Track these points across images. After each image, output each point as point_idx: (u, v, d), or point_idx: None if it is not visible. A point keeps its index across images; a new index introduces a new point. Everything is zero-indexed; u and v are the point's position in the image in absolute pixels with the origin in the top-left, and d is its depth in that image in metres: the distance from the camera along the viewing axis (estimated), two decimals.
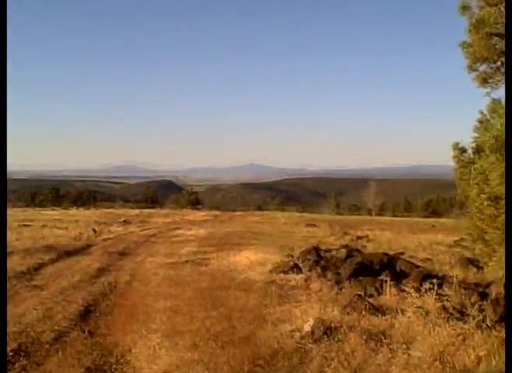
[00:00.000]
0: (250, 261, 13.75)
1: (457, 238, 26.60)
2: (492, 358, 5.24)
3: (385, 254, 13.00)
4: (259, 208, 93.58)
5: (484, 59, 6.73)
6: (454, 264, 16.19)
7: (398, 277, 10.63)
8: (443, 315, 7.23)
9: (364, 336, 6.30)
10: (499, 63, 6.79)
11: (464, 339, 6.07)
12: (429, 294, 8.61)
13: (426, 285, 9.61)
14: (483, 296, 8.83)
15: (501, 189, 5.53)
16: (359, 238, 25.51)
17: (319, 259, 13.50)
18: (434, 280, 9.12)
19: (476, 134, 7.00)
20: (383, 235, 28.24)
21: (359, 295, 9.04)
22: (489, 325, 6.84)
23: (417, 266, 11.86)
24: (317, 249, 14.66)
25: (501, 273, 9.29)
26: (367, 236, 26.28)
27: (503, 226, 5.75)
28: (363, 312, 7.55)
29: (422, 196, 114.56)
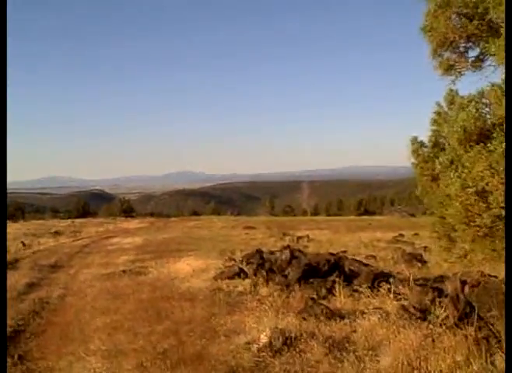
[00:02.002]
0: (191, 268, 13.08)
1: (395, 235, 26.91)
2: (472, 362, 4.82)
3: (331, 254, 12.61)
4: (194, 213, 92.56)
5: (450, 42, 6.32)
6: (397, 260, 16.13)
7: (349, 278, 10.24)
8: (404, 316, 6.85)
9: (327, 344, 5.79)
10: (462, 48, 6.42)
11: (433, 341, 5.66)
12: (383, 293, 8.28)
13: (380, 284, 9.32)
14: (439, 292, 8.53)
15: (492, 182, 5.16)
16: (299, 238, 25.25)
17: (263, 262, 13.00)
18: (391, 280, 8.76)
19: (434, 127, 6.67)
20: (322, 235, 28.18)
21: (312, 299, 8.59)
22: (454, 323, 6.52)
23: (365, 265, 11.52)
24: (260, 252, 14.16)
25: (457, 268, 9.07)
26: (307, 236, 26.07)
27: (486, 221, 5.36)
28: (321, 317, 7.05)
29: (354, 196, 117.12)
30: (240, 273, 11.54)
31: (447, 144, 6.23)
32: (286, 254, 13.73)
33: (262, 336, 6.09)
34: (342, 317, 7.09)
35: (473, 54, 6.43)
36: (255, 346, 5.96)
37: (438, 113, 6.60)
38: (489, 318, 6.73)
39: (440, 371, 4.90)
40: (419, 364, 5.03)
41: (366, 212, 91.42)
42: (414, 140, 6.89)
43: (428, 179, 6.45)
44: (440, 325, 6.35)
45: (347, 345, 5.81)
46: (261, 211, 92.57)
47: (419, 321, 6.56)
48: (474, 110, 5.55)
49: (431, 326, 6.20)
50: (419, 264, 15.08)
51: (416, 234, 28.12)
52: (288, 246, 18.62)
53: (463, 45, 6.38)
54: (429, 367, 4.95)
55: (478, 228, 5.62)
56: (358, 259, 12.87)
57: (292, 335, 6.06)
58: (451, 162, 5.77)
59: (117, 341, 6.74)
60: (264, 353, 5.66)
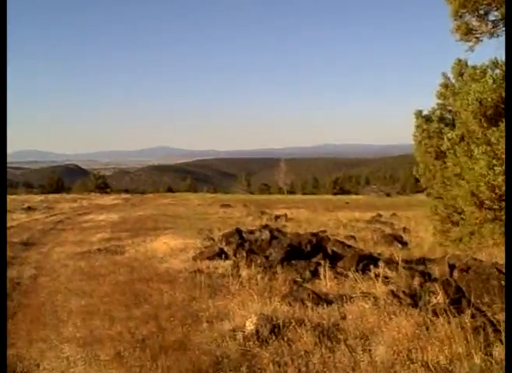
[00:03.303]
0: (169, 247, 12.68)
1: (373, 215, 26.82)
2: (474, 353, 4.55)
3: (313, 234, 12.33)
4: (170, 190, 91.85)
5: (473, 2, 5.88)
6: (377, 241, 15.96)
7: (332, 260, 9.95)
8: (394, 302, 6.58)
9: (316, 332, 5.48)
10: (482, 11, 5.99)
11: (427, 329, 5.39)
12: (370, 277, 8.03)
13: (366, 267, 9.08)
14: (426, 276, 8.29)
15: None
16: (277, 217, 24.97)
17: (243, 242, 12.70)
18: (378, 263, 8.50)
19: (440, 101, 6.24)
20: (300, 214, 27.97)
21: (296, 282, 8.29)
22: (446, 310, 6.27)
23: (349, 247, 11.26)
24: (239, 232, 13.84)
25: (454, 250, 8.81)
26: (285, 215, 25.81)
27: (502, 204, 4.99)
28: (307, 303, 6.74)
29: (329, 174, 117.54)
30: (221, 254, 11.20)
31: (455, 118, 5.85)
32: (266, 234, 13.45)
33: (248, 323, 5.75)
34: (330, 302, 6.79)
35: (492, 18, 5.96)
36: (240, 334, 5.61)
37: (445, 86, 6.19)
38: (480, 304, 6.52)
39: (438, 362, 4.63)
40: (416, 356, 4.75)
41: (342, 191, 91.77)
42: (418, 114, 6.45)
43: (432, 156, 6.07)
44: (433, 311, 6.11)
45: (337, 333, 5.52)
46: (237, 189, 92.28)
47: (410, 307, 6.31)
48: (491, 81, 5.12)
49: (423, 313, 5.94)
50: (400, 245, 14.92)
51: (394, 214, 28.09)
52: (266, 225, 18.41)
53: (484, 7, 5.92)
54: (426, 359, 4.68)
55: (487, 211, 5.29)
56: (340, 240, 12.61)
57: (280, 322, 5.73)
58: (462, 138, 5.38)
59: (93, 327, 6.35)
60: (250, 343, 5.31)
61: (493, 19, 6.01)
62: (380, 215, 26.92)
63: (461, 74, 6.04)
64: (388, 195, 59.27)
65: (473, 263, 7.51)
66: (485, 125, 4.94)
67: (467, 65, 6.07)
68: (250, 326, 5.68)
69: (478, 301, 6.52)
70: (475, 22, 6.06)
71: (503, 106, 4.58)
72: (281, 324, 5.69)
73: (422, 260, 10.64)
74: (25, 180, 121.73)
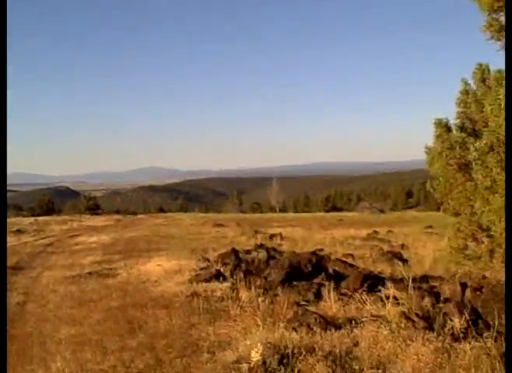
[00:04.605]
0: (163, 269, 12.19)
1: (369, 232, 26.43)
2: None
3: (313, 253, 11.91)
4: (161, 210, 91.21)
5: None
6: (376, 259, 15.56)
7: (335, 280, 9.51)
8: (407, 325, 6.14)
9: (328, 362, 5.03)
10: None
11: (449, 356, 4.96)
12: (377, 298, 7.61)
13: (372, 288, 8.67)
14: (436, 296, 7.85)
15: None
16: (272, 236, 24.49)
17: (239, 262, 12.29)
18: (387, 283, 8.06)
19: (460, 109, 5.82)
20: (295, 232, 27.49)
21: (299, 304, 7.84)
22: (464, 333, 5.85)
23: (351, 266, 10.83)
24: (235, 252, 13.41)
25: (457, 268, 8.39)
26: (280, 234, 25.33)
27: None
28: (314, 328, 6.29)
29: (319, 192, 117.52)
30: (218, 275, 10.75)
31: (476, 127, 5.44)
32: (263, 254, 13.05)
33: (253, 353, 5.27)
34: (338, 327, 6.35)
35: None
36: (245, 365, 5.13)
37: (466, 92, 5.79)
38: (499, 327, 6.08)
39: None
40: None
41: (334, 208, 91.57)
42: (439, 123, 5.96)
43: (454, 168, 5.61)
44: (451, 335, 5.68)
45: (351, 362, 5.07)
46: (229, 208, 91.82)
47: (426, 331, 5.87)
48: None
49: (441, 338, 5.51)
50: (400, 263, 14.51)
51: (390, 231, 27.70)
52: (262, 245, 17.98)
53: None
54: None
55: None
56: (341, 259, 12.19)
57: (288, 351, 5.26)
58: (491, 148, 4.95)
59: (83, 360, 5.84)
60: None
61: None
62: (376, 232, 26.52)
63: (483, 80, 5.65)
64: (382, 211, 59.04)
65: (486, 282, 7.10)
66: None
67: (489, 70, 5.69)
68: (255, 357, 5.20)
69: (497, 323, 6.09)
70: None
71: None
72: (289, 353, 5.22)
73: (426, 278, 10.25)
74: (15, 202, 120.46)
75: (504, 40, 5.00)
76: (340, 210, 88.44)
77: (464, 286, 7.45)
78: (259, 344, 5.40)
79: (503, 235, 5.01)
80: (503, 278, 4.56)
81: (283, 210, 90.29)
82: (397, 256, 15.70)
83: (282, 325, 6.34)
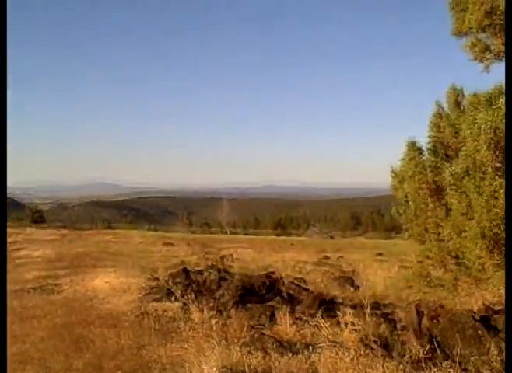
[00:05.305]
0: (112, 286, 11.77)
1: (320, 257, 26.46)
2: None
3: (267, 276, 11.78)
4: (109, 227, 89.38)
5: (493, 12, 5.37)
6: (328, 284, 15.51)
7: (290, 303, 9.37)
8: (366, 352, 6.03)
9: None
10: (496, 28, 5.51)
11: None
12: (334, 322, 7.49)
13: (328, 312, 8.56)
14: (392, 323, 7.78)
15: None
16: (223, 257, 24.20)
17: (190, 282, 12.01)
18: (345, 308, 7.95)
19: (433, 133, 5.77)
20: (246, 254, 27.26)
21: (253, 327, 7.65)
22: (422, 361, 5.77)
23: (305, 289, 10.71)
24: (186, 271, 13.15)
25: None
26: (231, 255, 25.07)
27: None
28: (271, 352, 6.11)
29: (269, 214, 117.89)
30: (168, 295, 10.44)
31: (448, 151, 5.41)
32: (215, 274, 12.81)
33: None
34: (295, 352, 6.18)
35: None
36: None
37: (438, 116, 5.76)
38: (457, 356, 6.03)
39: None
40: None
41: (284, 232, 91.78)
42: (411, 145, 5.86)
43: (425, 193, 5.53)
44: (411, 364, 5.60)
45: None
46: (178, 227, 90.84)
47: (386, 359, 5.76)
48: (504, 108, 4.62)
49: (401, 366, 5.42)
50: (352, 289, 14.51)
51: (341, 256, 27.80)
52: (213, 265, 17.71)
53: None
54: None
55: (499, 256, 4.80)
56: (296, 282, 12.07)
57: None
58: (467, 173, 4.89)
59: None
60: None
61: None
62: (327, 257, 26.55)
63: (458, 103, 5.66)
64: (332, 237, 59.47)
65: (443, 311, 7.08)
66: (498, 156, 4.47)
67: (463, 94, 5.70)
68: None
69: (455, 352, 6.04)
70: (493, 41, 5.64)
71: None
72: None
73: (377, 305, 10.22)
74: None
75: (503, 48, 4.99)
76: (290, 234, 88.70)
77: (420, 314, 7.41)
78: (215, 368, 5.18)
79: (478, 262, 4.97)
80: (504, 284, 4.43)
81: (233, 231, 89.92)
82: (348, 282, 15.70)
83: (237, 348, 6.14)
